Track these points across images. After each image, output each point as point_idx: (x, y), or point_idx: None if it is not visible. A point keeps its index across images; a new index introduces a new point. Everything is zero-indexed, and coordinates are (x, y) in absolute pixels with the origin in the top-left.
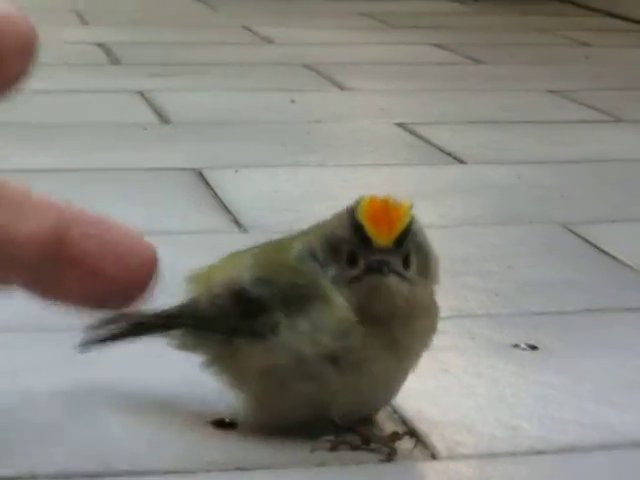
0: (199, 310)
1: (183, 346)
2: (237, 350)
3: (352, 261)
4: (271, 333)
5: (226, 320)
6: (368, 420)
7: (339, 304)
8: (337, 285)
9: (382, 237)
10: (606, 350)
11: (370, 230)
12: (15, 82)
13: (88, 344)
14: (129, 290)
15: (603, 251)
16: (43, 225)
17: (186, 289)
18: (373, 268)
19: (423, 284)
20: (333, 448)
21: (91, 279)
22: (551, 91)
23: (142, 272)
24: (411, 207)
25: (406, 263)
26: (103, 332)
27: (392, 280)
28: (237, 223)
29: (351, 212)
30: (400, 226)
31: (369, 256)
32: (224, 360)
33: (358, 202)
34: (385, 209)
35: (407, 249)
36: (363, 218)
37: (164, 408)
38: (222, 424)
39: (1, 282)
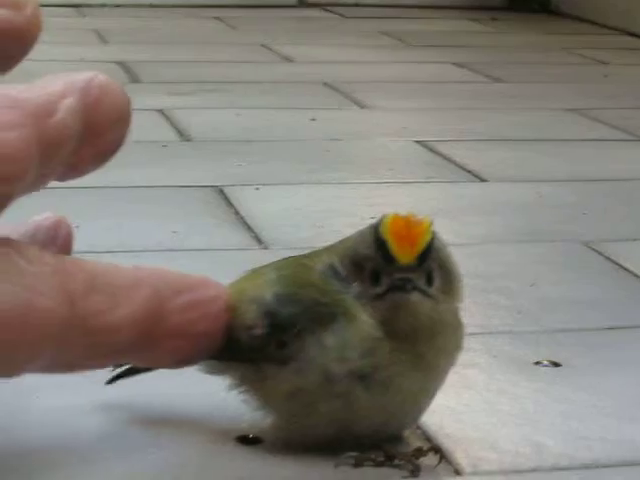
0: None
1: (211, 371)
2: (264, 373)
3: (375, 279)
4: (298, 353)
5: (255, 348)
6: (393, 438)
7: (364, 321)
8: (361, 302)
9: (405, 255)
10: (629, 367)
11: (393, 248)
12: (112, 152)
13: (116, 379)
14: (215, 341)
15: (625, 269)
16: (137, 306)
17: None
18: (396, 286)
19: (446, 301)
20: (357, 464)
21: (189, 343)
22: (570, 109)
23: (223, 320)
24: (432, 224)
25: (429, 280)
26: (129, 368)
27: (415, 297)
28: (258, 240)
29: (374, 229)
30: (422, 243)
31: (392, 274)
32: (251, 383)
33: (381, 219)
34: (407, 226)
35: (430, 266)
36: (386, 235)
37: (188, 424)
38: (246, 440)
39: (100, 365)
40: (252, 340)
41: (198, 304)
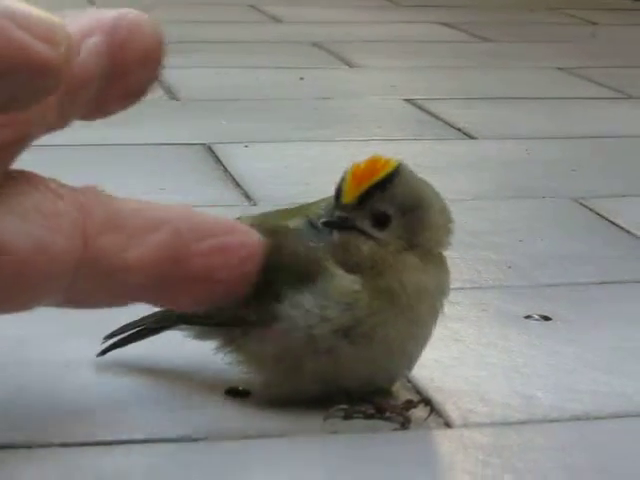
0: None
1: (199, 336)
2: (248, 337)
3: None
4: (280, 315)
5: (234, 311)
6: (384, 391)
7: (340, 275)
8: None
9: (349, 193)
10: (619, 321)
11: (343, 186)
12: (140, 93)
13: (106, 351)
14: (240, 287)
15: (615, 224)
16: (151, 249)
17: None
18: (331, 222)
19: (403, 246)
20: (347, 417)
21: (210, 288)
22: (559, 68)
23: (251, 268)
24: (395, 167)
25: (381, 223)
26: (119, 338)
27: (349, 237)
28: (247, 196)
29: (345, 170)
30: (368, 182)
31: (334, 211)
32: (237, 346)
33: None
34: (367, 168)
35: (378, 208)
36: (348, 173)
37: (178, 379)
38: (236, 392)
39: (116, 304)
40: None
41: (222, 250)
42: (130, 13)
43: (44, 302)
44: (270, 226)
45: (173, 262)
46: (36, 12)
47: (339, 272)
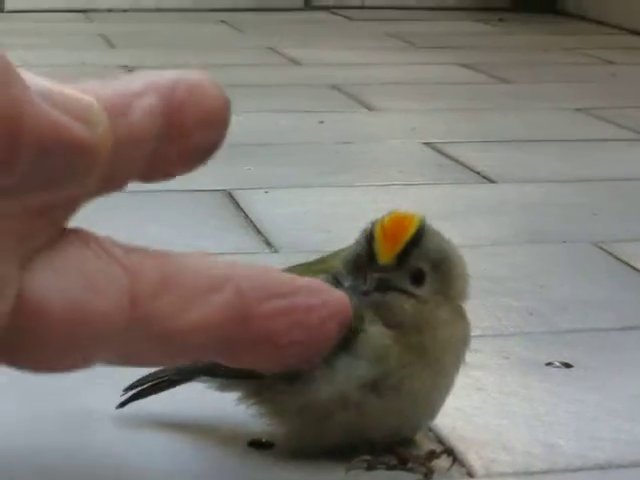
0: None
1: (222, 388)
2: (273, 390)
3: (365, 276)
4: (307, 372)
5: None
6: (407, 441)
7: (372, 331)
8: (364, 306)
9: (385, 254)
10: None
11: (377, 246)
12: (203, 154)
13: (126, 402)
14: (316, 350)
15: (636, 269)
16: (213, 310)
17: None
18: (375, 286)
19: (440, 301)
20: (369, 468)
21: (278, 352)
22: (578, 109)
23: (330, 330)
24: (422, 222)
25: (417, 280)
26: (140, 389)
27: (392, 297)
28: (268, 243)
29: (369, 227)
30: (402, 243)
31: (373, 273)
32: (260, 398)
33: (382, 217)
34: (396, 225)
35: (415, 266)
36: (375, 233)
37: (201, 429)
38: (259, 444)
39: (175, 362)
40: None
41: (290, 311)
42: (191, 74)
43: (95, 360)
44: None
45: (237, 324)
46: (72, 92)
47: (371, 328)
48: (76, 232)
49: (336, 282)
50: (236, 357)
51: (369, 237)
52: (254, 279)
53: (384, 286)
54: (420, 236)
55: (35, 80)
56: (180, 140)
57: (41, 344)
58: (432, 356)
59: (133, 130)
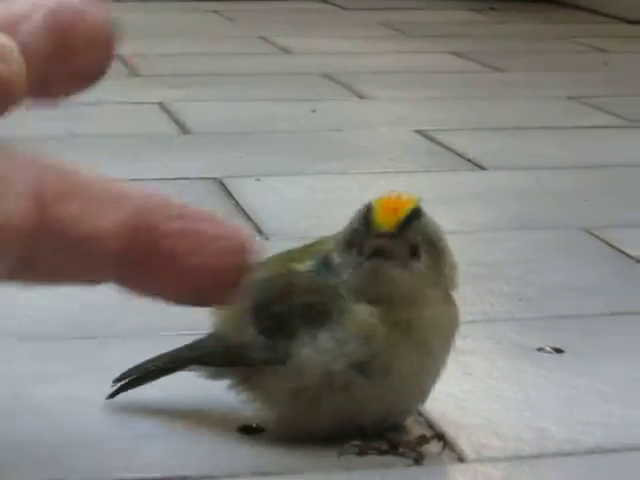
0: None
1: (211, 376)
2: (262, 375)
3: (360, 250)
4: (295, 354)
5: (248, 352)
6: (397, 426)
7: (359, 309)
8: (352, 287)
9: (386, 222)
10: (632, 353)
11: (376, 215)
12: (90, 76)
13: (116, 393)
14: (224, 283)
15: (626, 254)
16: (123, 217)
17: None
18: (374, 252)
19: (433, 279)
20: (361, 453)
21: (182, 274)
22: (570, 97)
23: (235, 264)
24: (418, 200)
25: (414, 254)
26: (130, 379)
27: (391, 266)
28: (259, 231)
29: (366, 205)
30: (404, 212)
31: (372, 241)
32: (250, 384)
33: (378, 198)
34: (394, 200)
35: (414, 240)
36: (376, 206)
37: (192, 415)
38: (249, 429)
39: (88, 279)
40: (244, 346)
41: (193, 234)
42: None
43: (3, 269)
44: (281, 268)
45: (145, 236)
46: None
47: (356, 306)
48: None
49: (327, 261)
50: (143, 279)
51: (367, 212)
52: (155, 197)
53: (383, 253)
54: (419, 211)
55: None
56: (67, 60)
57: None
58: (419, 335)
59: (23, 50)
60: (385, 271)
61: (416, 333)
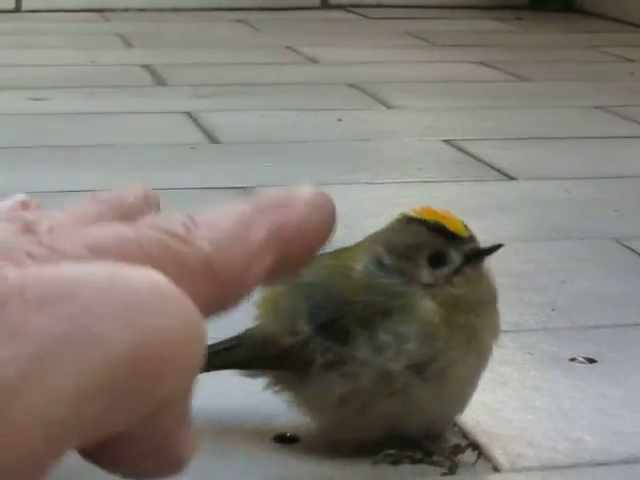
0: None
1: (250, 373)
2: (310, 378)
3: (437, 262)
4: (348, 356)
5: (300, 352)
6: (435, 435)
7: (424, 307)
8: (424, 290)
9: (460, 229)
10: None
11: (450, 224)
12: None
13: None
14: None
15: None
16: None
17: (254, 313)
18: (473, 255)
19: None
20: (395, 462)
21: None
22: (597, 107)
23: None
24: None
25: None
26: None
27: (483, 270)
28: None
29: (414, 221)
30: (460, 219)
31: (463, 248)
32: (294, 386)
33: (412, 213)
34: (436, 211)
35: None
36: (434, 220)
37: (226, 424)
38: (284, 439)
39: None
40: (292, 348)
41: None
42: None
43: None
44: (336, 268)
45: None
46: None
47: (422, 303)
48: None
49: (380, 262)
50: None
51: (429, 224)
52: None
53: (477, 256)
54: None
55: None
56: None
57: None
58: (481, 341)
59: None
60: (480, 275)
61: (479, 338)
